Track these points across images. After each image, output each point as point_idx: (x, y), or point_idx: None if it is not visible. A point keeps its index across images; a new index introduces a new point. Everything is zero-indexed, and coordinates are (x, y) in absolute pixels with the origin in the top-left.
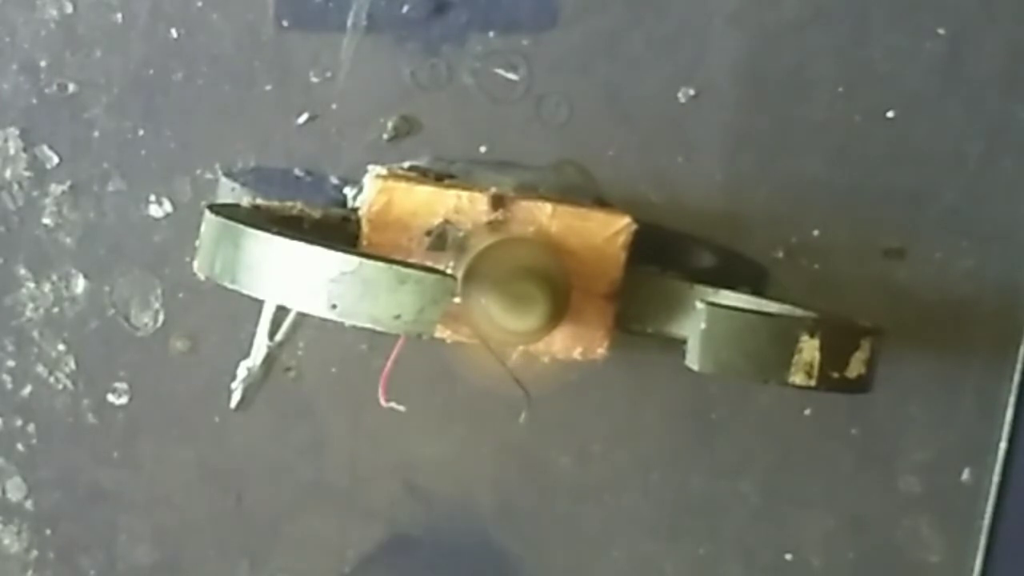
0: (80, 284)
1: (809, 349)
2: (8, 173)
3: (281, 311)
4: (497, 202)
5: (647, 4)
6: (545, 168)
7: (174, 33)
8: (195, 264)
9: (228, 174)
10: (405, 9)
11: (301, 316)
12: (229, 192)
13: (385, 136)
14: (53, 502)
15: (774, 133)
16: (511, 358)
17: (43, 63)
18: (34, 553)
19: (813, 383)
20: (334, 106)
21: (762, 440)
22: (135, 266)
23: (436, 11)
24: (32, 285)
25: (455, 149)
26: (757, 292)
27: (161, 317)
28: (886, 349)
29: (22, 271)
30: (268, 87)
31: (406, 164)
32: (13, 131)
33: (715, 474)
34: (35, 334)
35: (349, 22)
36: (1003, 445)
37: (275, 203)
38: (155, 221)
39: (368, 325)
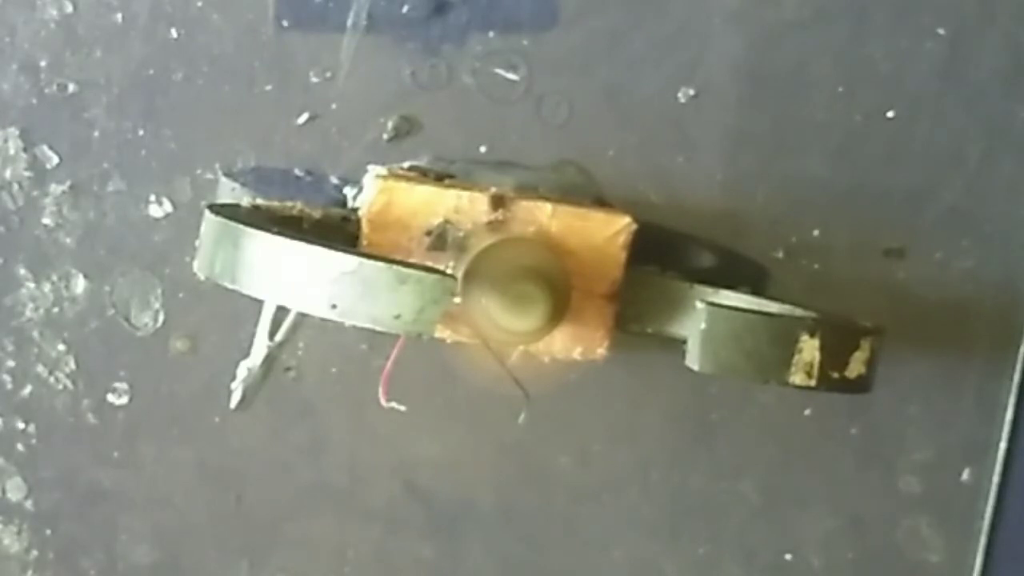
0: (80, 284)
1: (809, 349)
2: (8, 173)
3: (281, 311)
4: (497, 202)
5: (647, 4)
6: (545, 168)
7: (174, 33)
8: (195, 264)
9: (228, 174)
10: (405, 9)
11: (301, 316)
12: (229, 192)
13: (385, 136)
14: (53, 502)
15: (774, 133)
16: (511, 358)
17: (43, 63)
18: (34, 553)
19: (813, 383)
20: (334, 106)
21: (762, 440)
22: (135, 266)
23: (436, 11)
24: (32, 285)
25: (455, 149)
26: (757, 292)
27: (161, 317)
28: (886, 349)
29: (22, 271)
30: (268, 87)
31: (406, 164)
32: (13, 131)
33: (715, 474)
34: (35, 334)
35: (349, 22)
36: (1003, 445)
37: (275, 203)
38: (155, 221)
39: (368, 325)
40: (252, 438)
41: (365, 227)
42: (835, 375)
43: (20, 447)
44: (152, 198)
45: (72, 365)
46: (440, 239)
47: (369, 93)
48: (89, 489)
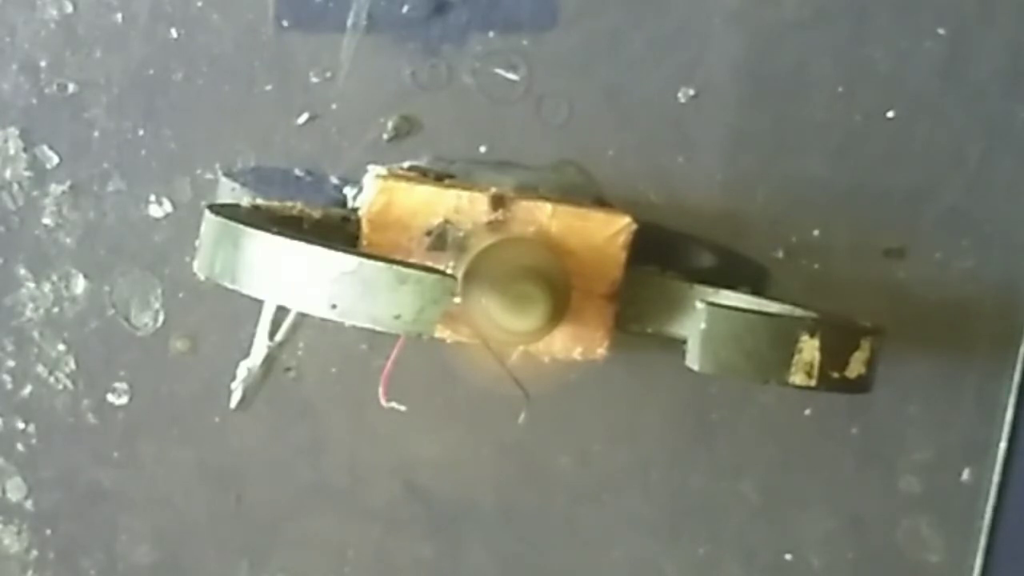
0: (80, 284)
1: (809, 349)
2: (8, 173)
3: (281, 311)
4: (497, 202)
5: (647, 4)
6: (545, 168)
7: (174, 33)
8: (195, 264)
9: (228, 174)
10: (405, 9)
11: (301, 316)
12: (229, 192)
13: (385, 136)
14: (53, 502)
15: (774, 133)
16: (511, 358)
17: (43, 63)
18: (34, 553)
19: (813, 383)
20: (334, 106)
21: (762, 440)
22: (135, 266)
23: (436, 11)
24: (32, 285)
25: (455, 149)
26: (757, 292)
27: (161, 317)
28: (886, 349)
29: (22, 271)
30: (268, 87)
31: (406, 164)
32: (13, 131)
33: (715, 474)
34: (35, 334)
35: (349, 22)
36: (1003, 445)
37: (275, 203)
38: (155, 221)
39: (368, 325)
40: (252, 438)
41: (365, 227)
42: (835, 375)
43: (20, 447)
44: (152, 198)
45: (72, 365)
46: (440, 239)
47: (369, 93)
48: (89, 489)
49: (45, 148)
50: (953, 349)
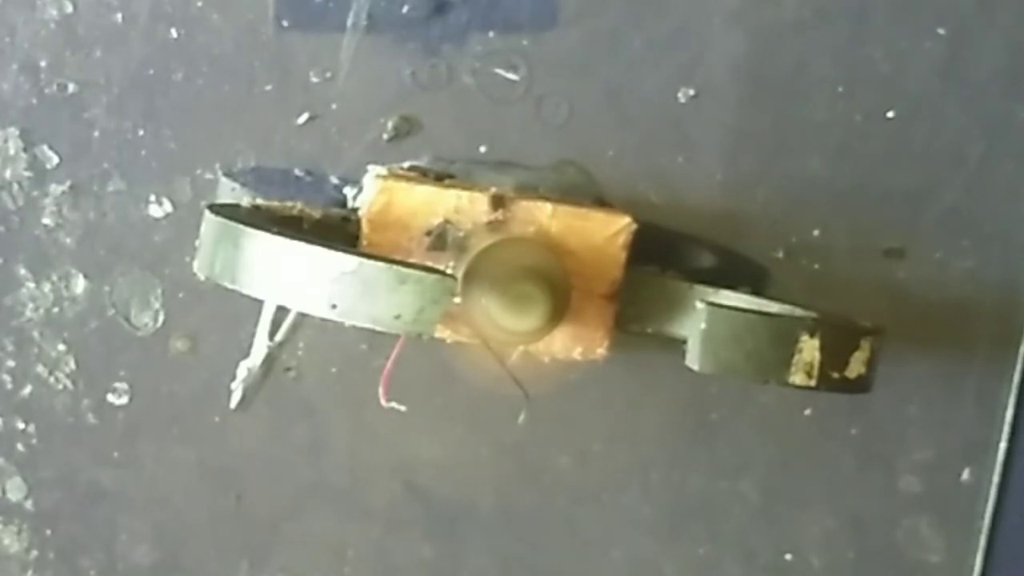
0: (80, 284)
1: (809, 349)
2: (8, 173)
3: (281, 311)
4: (497, 202)
5: (647, 4)
6: (545, 168)
7: (174, 33)
8: (195, 264)
9: (228, 174)
10: (405, 9)
11: (301, 316)
12: (229, 192)
13: (385, 136)
14: (53, 502)
15: (774, 133)
16: (511, 358)
17: (43, 63)
18: (34, 553)
19: (813, 383)
20: (334, 106)
21: (762, 440)
22: (135, 266)
23: (436, 11)
24: (32, 285)
25: (455, 149)
26: (757, 292)
27: (161, 317)
28: (886, 349)
29: (22, 271)
30: (268, 87)
31: (406, 164)
32: (13, 131)
33: (715, 474)
34: (35, 334)
35: (349, 22)
36: (1003, 445)
37: (275, 203)
38: (155, 221)
39: (368, 325)
40: (252, 438)
41: (365, 227)
42: (835, 375)
43: (20, 447)
44: (152, 198)
45: (72, 365)
46: (440, 239)
47: (369, 93)
48: (89, 489)
49: (45, 148)
50: (953, 349)
